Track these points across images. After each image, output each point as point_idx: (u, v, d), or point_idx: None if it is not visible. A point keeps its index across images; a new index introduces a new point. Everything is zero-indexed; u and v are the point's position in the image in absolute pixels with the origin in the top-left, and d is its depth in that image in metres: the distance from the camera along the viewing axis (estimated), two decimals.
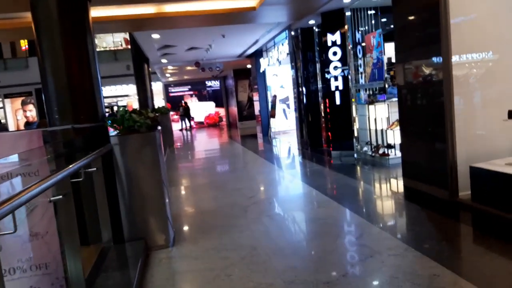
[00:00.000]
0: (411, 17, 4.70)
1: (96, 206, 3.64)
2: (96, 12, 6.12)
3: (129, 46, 14.14)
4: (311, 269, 2.95)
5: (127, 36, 17.00)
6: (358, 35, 7.82)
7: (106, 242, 3.65)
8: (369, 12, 7.82)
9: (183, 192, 6.40)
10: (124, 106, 25.49)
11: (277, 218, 4.39)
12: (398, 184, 5.41)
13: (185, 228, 4.39)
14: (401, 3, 4.84)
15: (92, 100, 3.89)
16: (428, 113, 4.61)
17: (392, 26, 7.76)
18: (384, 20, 7.75)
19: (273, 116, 12.62)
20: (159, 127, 4.19)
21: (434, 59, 4.32)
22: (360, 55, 7.85)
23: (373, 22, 7.68)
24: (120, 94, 23.64)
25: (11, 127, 19.85)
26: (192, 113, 21.78)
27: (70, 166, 2.32)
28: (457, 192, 4.28)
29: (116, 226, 3.67)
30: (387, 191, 5.39)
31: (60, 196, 2.31)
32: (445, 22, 4.12)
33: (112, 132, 3.88)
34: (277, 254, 3.28)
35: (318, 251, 3.31)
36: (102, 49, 22.17)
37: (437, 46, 4.22)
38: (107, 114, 3.97)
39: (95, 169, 3.37)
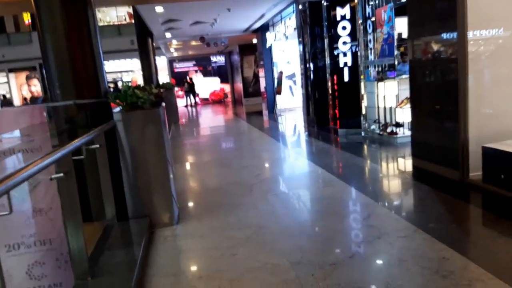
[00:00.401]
0: None
1: (100, 183, 3.60)
2: None
3: (133, 21, 13.91)
4: (317, 250, 2.89)
5: (131, 10, 16.69)
6: (368, 9, 7.55)
7: (110, 220, 3.62)
8: None
9: (188, 169, 6.36)
10: (129, 82, 25.37)
11: (283, 197, 4.34)
12: (406, 164, 5.31)
13: (190, 205, 4.35)
14: None
15: (94, 75, 3.78)
16: (440, 91, 4.46)
17: (403, 0, 7.52)
18: None
19: (279, 93, 12.44)
20: (163, 104, 4.09)
21: (449, 34, 4.14)
22: (370, 30, 7.60)
23: None
24: (125, 69, 23.51)
25: (16, 101, 19.83)
26: (197, 89, 21.58)
27: (71, 143, 2.24)
28: (468, 173, 4.17)
29: (120, 203, 3.63)
30: (395, 171, 5.30)
31: (61, 174, 2.24)
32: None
33: (116, 108, 3.79)
34: (283, 234, 3.24)
35: (324, 231, 3.26)
36: (106, 23, 21.86)
37: (452, 21, 4.03)
38: (111, 90, 3.86)
39: (98, 146, 3.30)
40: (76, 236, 2.59)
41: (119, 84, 22.72)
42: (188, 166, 6.58)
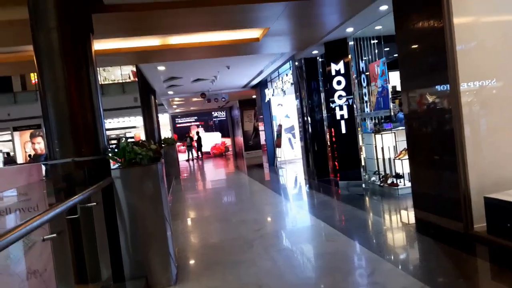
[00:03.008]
0: (416, 45, 4.66)
1: (96, 243, 3.51)
2: (101, 44, 6.19)
3: (136, 79, 14.38)
4: None
5: (134, 69, 17.30)
6: (362, 64, 7.82)
7: (105, 281, 3.50)
8: (372, 41, 7.87)
9: (188, 225, 6.24)
10: (132, 137, 25.70)
11: (284, 253, 4.21)
12: (409, 216, 5.22)
13: (189, 264, 4.21)
14: (405, 30, 4.80)
15: (93, 133, 3.83)
16: (437, 141, 4.49)
17: (395, 55, 7.81)
18: (387, 49, 7.76)
19: (279, 145, 12.54)
20: (162, 159, 4.11)
21: (442, 86, 4.24)
22: (364, 84, 7.82)
23: (376, 51, 7.70)
24: (128, 126, 23.90)
25: (20, 159, 19.96)
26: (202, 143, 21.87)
27: (63, 203, 2.22)
28: (472, 224, 4.08)
29: (116, 263, 3.52)
30: (398, 223, 5.19)
31: (54, 235, 2.20)
32: (451, 48, 4.06)
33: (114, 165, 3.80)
34: None
35: None
36: (111, 81, 22.58)
37: (444, 73, 4.15)
38: (113, 146, 3.89)
39: (94, 203, 3.27)
40: None
41: (123, 140, 22.82)
42: (188, 221, 6.47)
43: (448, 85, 4.12)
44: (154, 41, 6.56)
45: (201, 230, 5.77)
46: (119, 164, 3.71)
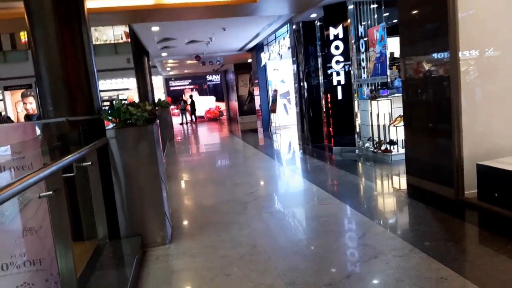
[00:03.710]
0: (417, 10, 4.56)
1: (92, 202, 3.54)
2: (93, 2, 5.98)
3: (129, 40, 14.01)
4: (312, 270, 2.84)
5: (127, 29, 16.83)
6: (360, 29, 7.67)
7: (101, 239, 3.55)
8: (372, 6, 7.68)
9: (182, 187, 6.29)
10: (125, 100, 25.37)
11: (277, 215, 4.29)
12: (401, 182, 5.30)
13: (183, 224, 4.28)
14: None
15: (87, 92, 3.77)
16: (433, 109, 4.48)
17: (395, 20, 7.66)
18: (386, 14, 7.60)
19: (274, 111, 12.50)
20: (158, 121, 4.07)
21: (441, 53, 4.19)
22: (362, 50, 7.70)
23: (375, 16, 7.54)
24: (121, 88, 23.56)
25: (12, 119, 19.73)
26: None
27: (60, 161, 2.21)
28: (463, 191, 4.16)
29: (112, 222, 3.57)
30: (390, 189, 5.28)
31: (50, 192, 2.20)
32: (453, 15, 3.98)
33: (109, 125, 3.77)
34: (277, 253, 3.18)
35: (320, 250, 3.20)
36: (103, 42, 22.01)
37: (444, 40, 4.09)
38: (107, 108, 3.84)
39: (90, 163, 3.26)
40: (65, 256, 2.53)
41: (115, 101, 22.60)
42: (182, 183, 6.52)
43: (448, 52, 4.06)
44: (148, 0, 6.35)
45: (196, 192, 5.83)
46: (114, 124, 3.67)
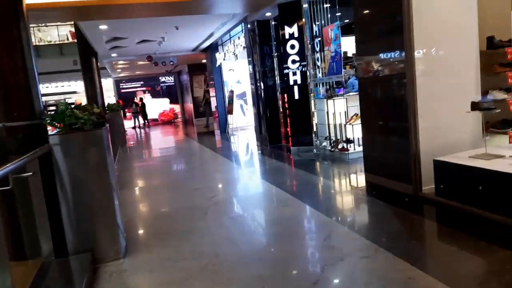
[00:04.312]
0: (373, 7, 4.58)
1: (34, 216, 3.20)
2: None
3: (75, 40, 13.26)
4: (278, 277, 2.71)
5: (73, 29, 15.96)
6: (315, 28, 7.70)
7: (46, 257, 3.22)
8: (325, 5, 7.73)
9: (136, 194, 5.96)
10: (72, 103, 24.12)
11: (239, 220, 4.12)
12: (359, 180, 5.32)
13: (139, 235, 4.01)
14: None
15: (27, 96, 3.40)
16: (390, 106, 4.53)
17: (346, 20, 7.76)
18: (338, 14, 7.66)
19: (231, 112, 12.33)
20: (107, 124, 3.78)
21: (396, 51, 4.23)
22: (317, 49, 7.73)
23: (329, 15, 7.59)
24: (68, 91, 22.49)
25: None
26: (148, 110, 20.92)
27: None
28: (421, 187, 4.22)
29: (58, 237, 3.24)
30: (349, 187, 5.28)
31: None
32: (407, 13, 4.02)
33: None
34: (241, 262, 3.02)
35: (285, 256, 3.08)
36: (47, 43, 20.80)
37: (399, 37, 4.13)
38: (52, 113, 3.49)
39: (31, 173, 2.94)
40: (2, 279, 2.22)
41: (59, 106, 21.55)
42: (136, 191, 6.18)
43: (404, 50, 4.11)
44: None
45: (152, 200, 5.54)
46: (58, 129, 3.35)
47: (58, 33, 21.14)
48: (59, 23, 21.13)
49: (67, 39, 21.02)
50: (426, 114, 4.18)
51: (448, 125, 4.29)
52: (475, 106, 3.82)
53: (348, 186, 5.36)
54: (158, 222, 4.34)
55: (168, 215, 4.55)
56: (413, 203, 4.04)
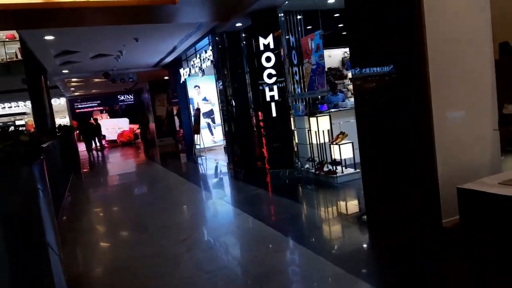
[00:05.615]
0: (374, 8, 3.87)
1: None
2: None
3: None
4: None
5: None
6: (292, 39, 7.02)
7: None
8: (298, 16, 7.11)
9: (87, 237, 4.84)
10: (23, 125, 22.38)
11: (223, 276, 3.17)
12: (360, 209, 4.54)
13: None
14: None
15: None
16: (397, 124, 3.81)
17: (325, 32, 7.12)
18: (309, 27, 7.04)
19: (197, 132, 11.37)
20: (43, 156, 2.78)
21: (406, 59, 3.54)
22: (295, 61, 7.03)
23: (308, 27, 6.97)
24: (18, 112, 21.02)
25: None
26: (103, 131, 19.40)
27: None
28: (440, 219, 3.49)
29: None
30: (347, 220, 4.43)
31: None
32: (418, 16, 3.35)
33: None
34: None
35: None
36: None
37: (409, 43, 3.44)
38: None
39: None
40: None
41: (11, 129, 20.02)
42: (88, 233, 5.06)
43: (414, 56, 3.43)
44: None
45: (107, 245, 4.49)
46: None
47: (5, 50, 19.58)
48: (5, 39, 19.64)
49: (16, 56, 19.46)
50: (442, 132, 3.49)
51: (467, 143, 3.62)
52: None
53: (346, 219, 4.50)
54: (113, 280, 3.32)
55: (128, 267, 3.54)
56: (434, 239, 3.30)
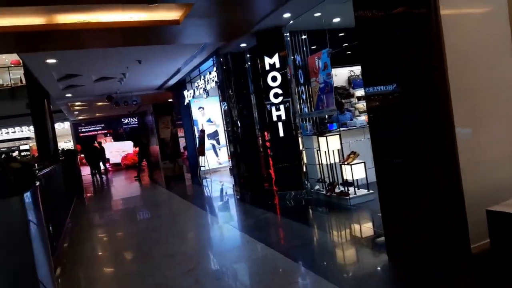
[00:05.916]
0: (389, 24, 3.69)
1: None
2: None
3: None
4: None
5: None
6: (298, 58, 6.88)
7: None
8: (303, 36, 7.01)
9: (88, 268, 4.56)
10: (27, 150, 22.34)
11: None
12: (370, 233, 4.25)
13: None
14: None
15: None
16: (417, 140, 3.56)
17: (333, 50, 6.98)
18: (314, 47, 6.93)
19: (202, 153, 11.16)
20: (37, 183, 2.57)
21: (424, 70, 3.33)
22: (302, 81, 6.87)
23: (312, 47, 6.85)
24: (22, 137, 21.08)
25: None
26: (107, 154, 19.23)
27: None
28: (469, 243, 3.21)
29: None
30: (365, 246, 4.13)
31: None
32: (435, 20, 3.17)
33: None
34: None
35: None
36: None
37: (426, 55, 3.24)
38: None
39: None
40: None
41: (15, 154, 20.15)
42: (88, 263, 4.78)
43: (433, 70, 3.22)
44: (36, 19, 4.82)
45: (109, 278, 4.20)
46: None
47: (10, 76, 19.76)
48: (10, 65, 19.86)
49: (21, 82, 19.60)
50: (466, 148, 3.25)
51: (495, 163, 3.37)
52: None
53: (362, 245, 4.18)
54: None
55: None
56: (456, 264, 3.02)
